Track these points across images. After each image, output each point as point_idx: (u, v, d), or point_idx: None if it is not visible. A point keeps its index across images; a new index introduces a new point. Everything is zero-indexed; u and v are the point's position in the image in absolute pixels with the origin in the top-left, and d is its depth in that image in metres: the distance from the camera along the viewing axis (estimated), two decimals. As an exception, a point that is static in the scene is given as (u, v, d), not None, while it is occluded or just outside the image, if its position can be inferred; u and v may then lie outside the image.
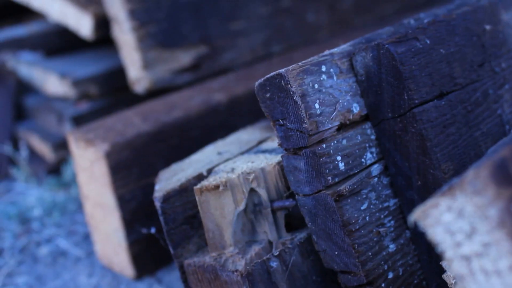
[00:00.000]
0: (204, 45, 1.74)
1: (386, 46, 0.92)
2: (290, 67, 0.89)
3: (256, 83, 0.91)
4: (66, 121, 2.04)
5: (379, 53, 0.93)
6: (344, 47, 0.99)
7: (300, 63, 0.91)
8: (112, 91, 2.06)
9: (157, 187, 1.07)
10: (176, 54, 1.71)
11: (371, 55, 0.94)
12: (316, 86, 0.90)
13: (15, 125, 2.23)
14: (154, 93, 1.77)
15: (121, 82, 1.97)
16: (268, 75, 0.90)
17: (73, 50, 2.22)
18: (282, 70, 0.88)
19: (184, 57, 1.72)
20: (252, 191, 0.96)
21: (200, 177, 1.05)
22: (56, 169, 2.09)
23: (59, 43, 2.17)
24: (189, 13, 1.70)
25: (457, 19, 1.03)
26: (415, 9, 2.14)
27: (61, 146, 2.04)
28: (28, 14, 2.60)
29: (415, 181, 0.93)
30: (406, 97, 0.91)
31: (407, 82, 0.91)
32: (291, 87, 0.87)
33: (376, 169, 0.94)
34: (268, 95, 0.90)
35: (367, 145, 0.94)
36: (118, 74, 1.99)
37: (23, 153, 1.99)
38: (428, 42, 0.96)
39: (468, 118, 0.98)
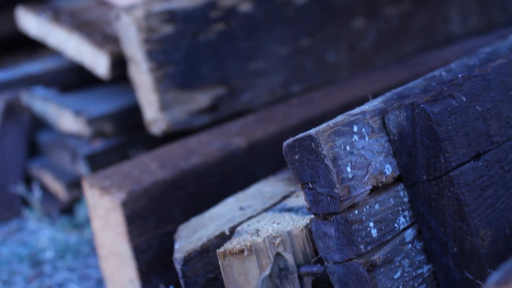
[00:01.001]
0: (222, 85, 1.70)
1: (422, 105, 0.87)
2: (320, 128, 0.85)
3: (284, 144, 0.86)
4: (80, 159, 2.00)
5: (414, 113, 0.88)
6: (376, 104, 0.94)
7: (331, 123, 0.86)
8: (127, 129, 2.02)
9: (177, 245, 1.02)
10: (194, 95, 1.67)
11: (405, 114, 0.89)
12: (348, 148, 0.85)
13: (28, 162, 2.20)
14: (171, 133, 1.73)
15: (137, 120, 1.93)
16: (298, 136, 0.85)
17: (88, 85, 2.19)
18: (312, 131, 0.84)
19: (202, 98, 1.68)
20: (278, 255, 0.92)
21: (222, 236, 1.00)
22: (69, 208, 2.05)
23: (74, 79, 2.14)
24: (207, 53, 1.67)
25: (492, 73, 0.99)
26: (436, 47, 2.10)
27: (75, 185, 2.00)
28: (42, 46, 2.58)
29: (451, 248, 0.88)
30: (442, 160, 0.86)
31: (443, 144, 0.86)
32: (322, 149, 0.83)
33: (409, 234, 0.89)
34: (297, 156, 0.85)
35: (400, 208, 0.89)
36: (133, 112, 1.95)
37: (36, 192, 1.95)
38: (464, 99, 0.92)
39: (505, 178, 0.93)
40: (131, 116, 1.98)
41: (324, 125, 0.86)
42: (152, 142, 1.94)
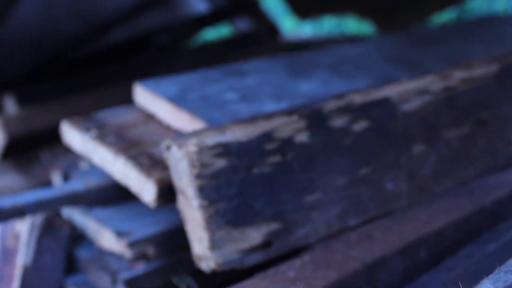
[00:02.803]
0: (276, 221, 1.60)
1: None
2: None
3: None
4: (120, 283, 1.91)
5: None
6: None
7: None
8: (171, 251, 1.93)
9: None
10: (246, 232, 1.57)
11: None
12: None
13: (65, 279, 2.10)
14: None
15: (182, 242, 1.84)
16: None
17: (131, 199, 2.11)
18: None
19: (255, 235, 1.58)
20: None
21: None
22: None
23: (117, 195, 2.07)
24: (261, 187, 1.58)
25: None
26: (497, 170, 1.98)
27: (115, 312, 1.90)
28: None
29: None
30: None
31: None
32: None
33: None
34: None
35: None
36: (178, 234, 1.86)
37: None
38: None
39: None
40: (176, 239, 1.89)
41: None
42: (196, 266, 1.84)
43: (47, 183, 2.69)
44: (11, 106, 3.21)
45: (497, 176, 1.94)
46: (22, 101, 3.14)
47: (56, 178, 2.26)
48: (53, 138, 3.11)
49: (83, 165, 2.24)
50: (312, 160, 1.64)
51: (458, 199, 1.78)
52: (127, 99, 3.21)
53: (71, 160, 2.68)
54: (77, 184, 2.03)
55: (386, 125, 1.79)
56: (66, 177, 2.23)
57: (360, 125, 1.74)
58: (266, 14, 4.84)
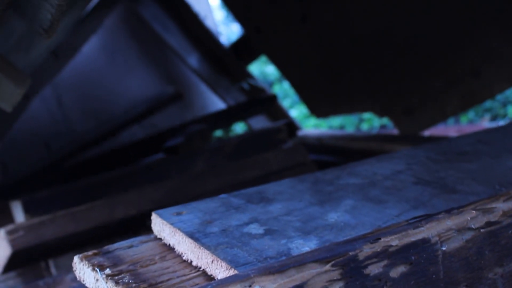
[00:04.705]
0: None
1: None
2: None
3: None
4: None
5: None
6: None
7: None
8: None
9: None
10: None
11: None
12: None
13: None
14: None
15: None
16: None
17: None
18: None
19: None
20: None
21: None
22: None
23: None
24: None
25: None
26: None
27: None
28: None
29: None
30: None
31: None
32: None
33: None
34: None
35: None
36: None
37: None
38: None
39: None
40: None
41: None
42: None
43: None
44: (18, 212, 3.09)
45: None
46: (30, 209, 3.01)
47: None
48: (60, 249, 2.98)
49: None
50: (347, 313, 1.49)
51: None
52: (139, 208, 3.07)
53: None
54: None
55: (425, 268, 1.64)
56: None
57: (397, 271, 1.59)
58: (283, 111, 4.77)
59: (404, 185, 2.21)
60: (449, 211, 1.79)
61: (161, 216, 1.86)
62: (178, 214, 1.87)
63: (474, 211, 1.79)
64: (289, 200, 2.01)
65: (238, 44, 4.85)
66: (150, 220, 2.38)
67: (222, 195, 2.02)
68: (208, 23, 5.00)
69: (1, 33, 2.13)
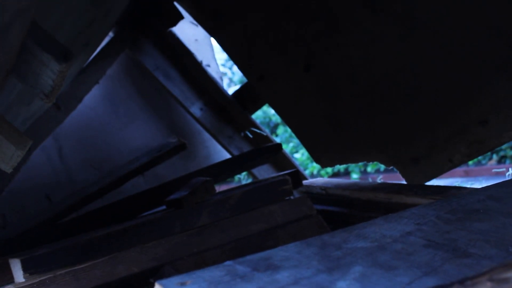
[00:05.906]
0: None
1: None
2: None
3: None
4: None
5: None
6: None
7: None
8: None
9: None
10: None
11: None
12: None
13: None
14: None
15: None
16: None
17: None
18: None
19: None
20: None
21: None
22: None
23: None
24: None
25: None
26: None
27: None
28: None
29: None
30: None
31: None
32: None
33: None
34: None
35: None
36: None
37: None
38: None
39: None
40: None
41: None
42: None
43: None
44: (17, 271, 3.01)
45: None
46: (29, 267, 2.93)
47: None
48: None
49: None
50: None
51: None
52: (142, 266, 3.00)
53: None
54: None
55: None
56: None
57: None
58: (288, 159, 4.72)
59: (415, 249, 2.14)
60: (462, 282, 1.72)
61: (165, 287, 1.79)
62: (182, 284, 1.80)
63: (489, 283, 1.72)
64: (296, 267, 1.94)
65: (241, 92, 4.82)
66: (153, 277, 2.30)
67: (227, 262, 1.95)
68: (211, 71, 4.98)
69: (1, 95, 2.10)
